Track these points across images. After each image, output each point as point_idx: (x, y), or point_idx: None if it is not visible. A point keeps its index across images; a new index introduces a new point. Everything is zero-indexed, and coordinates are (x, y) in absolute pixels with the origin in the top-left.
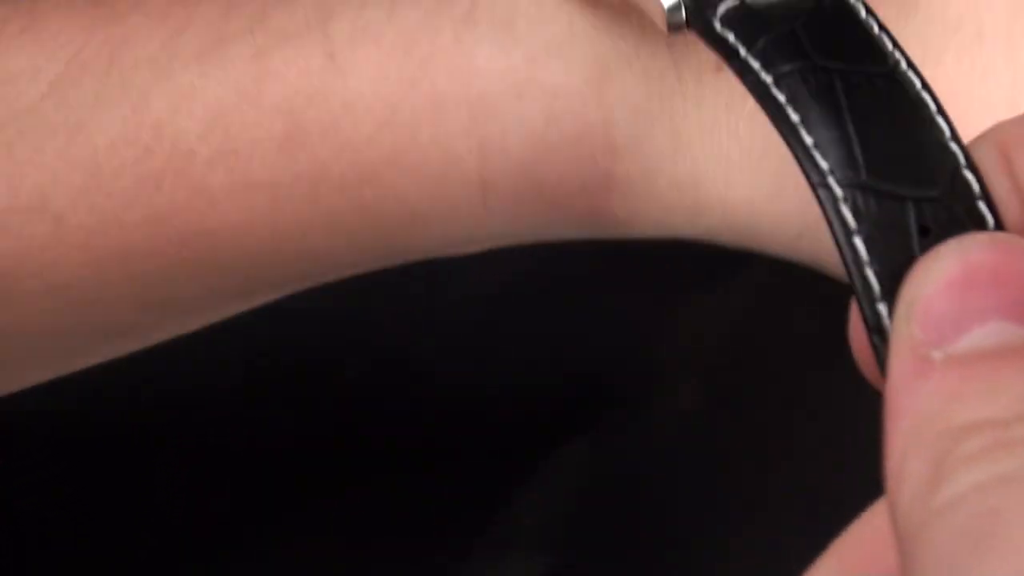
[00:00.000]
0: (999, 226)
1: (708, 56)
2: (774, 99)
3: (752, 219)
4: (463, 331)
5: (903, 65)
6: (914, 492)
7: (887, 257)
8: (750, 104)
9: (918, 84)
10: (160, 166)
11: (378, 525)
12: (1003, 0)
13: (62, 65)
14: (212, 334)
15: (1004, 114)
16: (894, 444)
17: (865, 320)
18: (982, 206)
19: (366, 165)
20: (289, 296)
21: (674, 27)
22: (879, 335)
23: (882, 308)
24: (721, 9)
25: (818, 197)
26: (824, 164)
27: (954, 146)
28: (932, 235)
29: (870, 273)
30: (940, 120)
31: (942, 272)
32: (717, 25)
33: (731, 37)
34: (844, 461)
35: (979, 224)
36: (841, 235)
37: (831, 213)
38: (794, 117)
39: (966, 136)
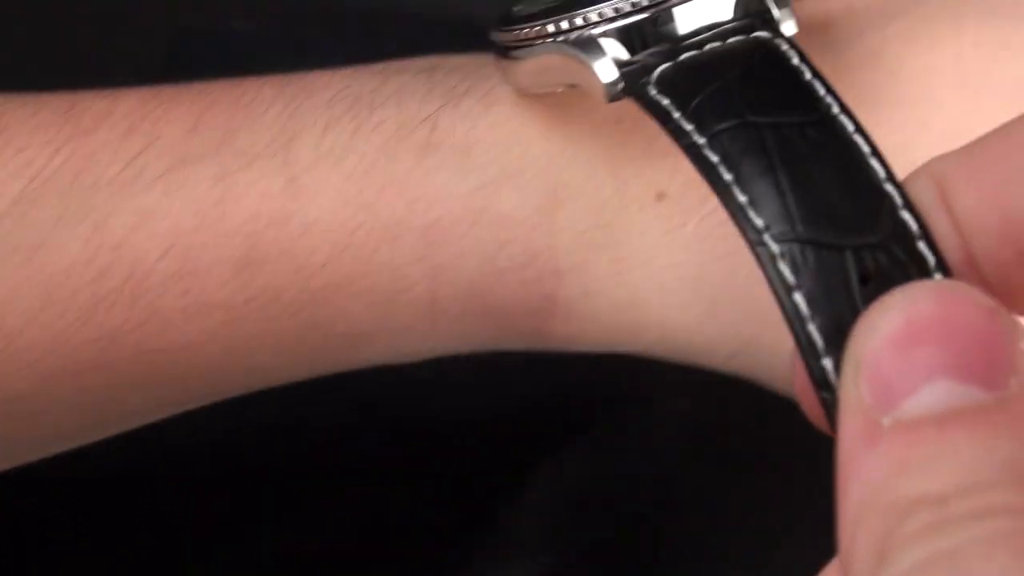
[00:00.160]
0: (941, 266)
1: (653, 180)
2: (706, 160)
3: (688, 340)
4: None
5: (835, 109)
6: (861, 570)
7: (829, 311)
8: (689, 229)
9: (851, 128)
10: (117, 286)
11: (378, 526)
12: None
13: (25, 182)
14: None
15: None
16: (845, 516)
17: (811, 375)
18: (923, 247)
19: (319, 289)
20: None
21: (612, 98)
22: (827, 390)
23: (827, 363)
24: (657, 72)
25: (755, 255)
26: (759, 221)
27: (890, 187)
28: (874, 283)
29: (812, 328)
30: (874, 162)
31: (886, 328)
32: (652, 90)
33: (665, 101)
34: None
35: (920, 266)
36: (781, 292)
37: (769, 271)
38: (727, 176)
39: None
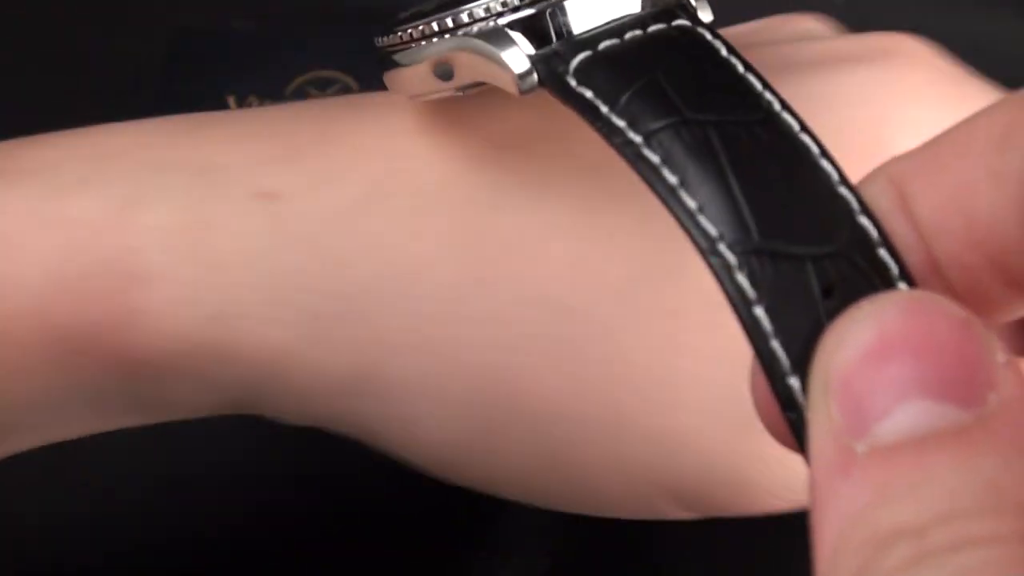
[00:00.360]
0: (904, 274)
1: (261, 178)
2: (647, 161)
3: (292, 365)
4: None
5: (777, 107)
6: None
7: (792, 326)
8: (290, 228)
9: (796, 127)
10: None
11: (377, 525)
12: None
13: None
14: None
15: None
16: (822, 549)
17: (776, 395)
18: (883, 253)
19: None
20: None
21: (526, 90)
22: (793, 411)
23: (793, 382)
24: (575, 63)
25: (709, 265)
26: (712, 229)
27: (844, 191)
28: (837, 295)
29: (776, 345)
30: (826, 164)
31: (855, 344)
32: (572, 82)
33: (589, 94)
34: None
35: (883, 274)
36: (740, 307)
37: (726, 283)
38: (671, 179)
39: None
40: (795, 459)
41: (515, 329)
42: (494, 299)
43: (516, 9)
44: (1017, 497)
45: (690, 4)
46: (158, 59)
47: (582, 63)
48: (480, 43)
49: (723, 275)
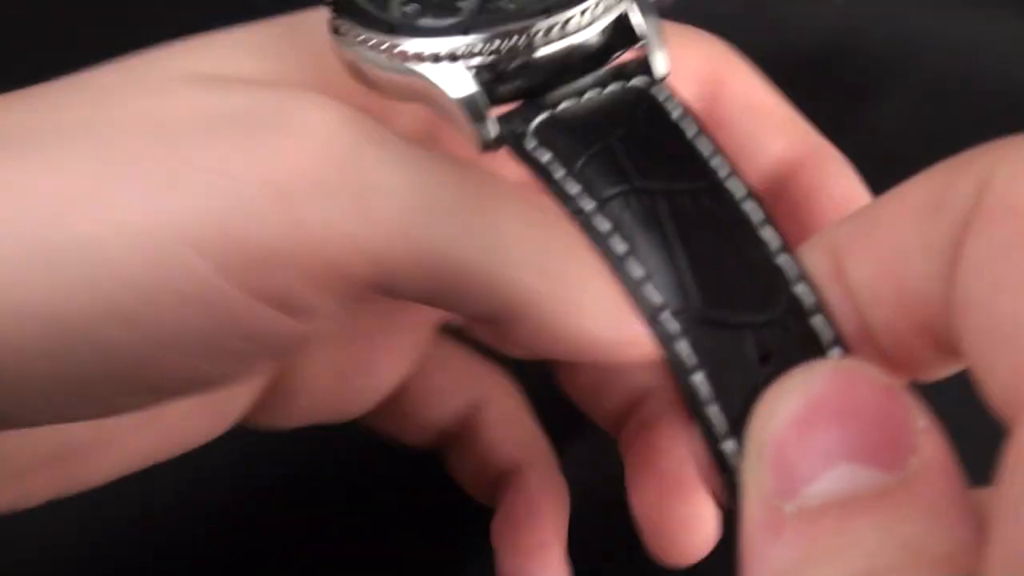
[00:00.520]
0: (837, 340)
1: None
2: (597, 229)
3: None
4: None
5: (724, 173)
6: None
7: (730, 392)
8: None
9: (740, 195)
10: None
11: (376, 525)
12: None
13: None
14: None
15: None
16: None
17: (713, 457)
18: (818, 321)
19: None
20: None
21: (487, 147)
22: (729, 472)
23: (728, 446)
24: (534, 124)
25: (653, 333)
26: (656, 298)
27: (783, 259)
28: (774, 361)
29: (714, 411)
30: (766, 232)
31: (786, 412)
32: (530, 143)
33: (546, 157)
34: None
35: (817, 342)
36: (680, 373)
37: (668, 351)
38: (620, 248)
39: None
40: None
41: None
42: None
43: (483, 59)
44: (934, 555)
45: (648, 55)
46: None
47: (540, 124)
48: (447, 98)
49: (665, 343)
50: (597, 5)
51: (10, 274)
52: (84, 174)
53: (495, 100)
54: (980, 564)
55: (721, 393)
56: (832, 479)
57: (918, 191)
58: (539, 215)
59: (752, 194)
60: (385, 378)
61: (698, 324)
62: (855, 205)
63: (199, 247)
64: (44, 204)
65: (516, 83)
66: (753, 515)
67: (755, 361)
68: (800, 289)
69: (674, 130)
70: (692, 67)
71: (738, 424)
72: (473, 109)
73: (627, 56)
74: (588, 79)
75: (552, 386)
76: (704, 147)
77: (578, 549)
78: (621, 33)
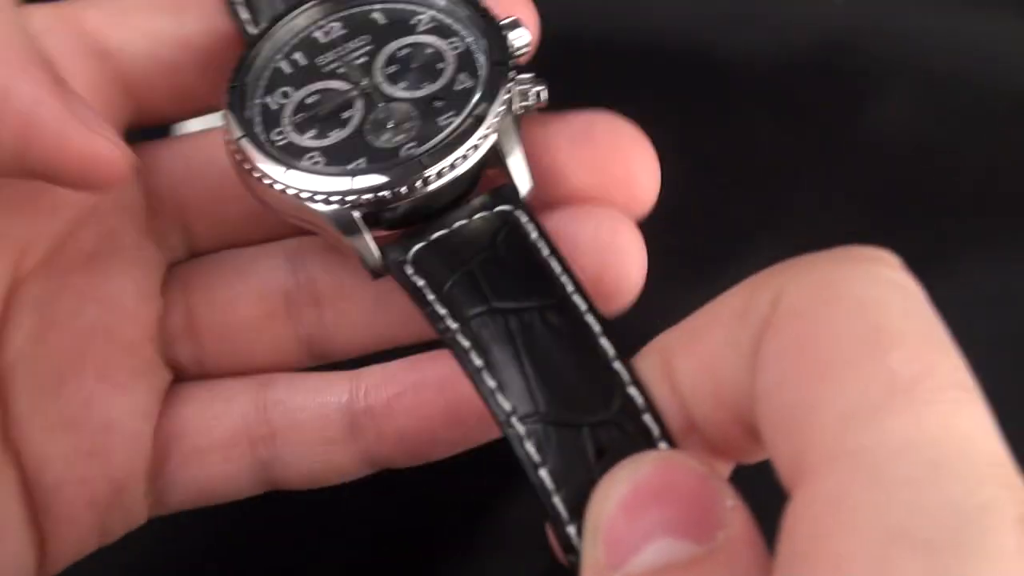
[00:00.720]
0: (665, 435)
1: None
2: (459, 346)
3: None
4: None
5: (571, 289)
6: None
7: (570, 484)
8: None
9: (584, 307)
10: None
11: (376, 526)
12: None
13: None
14: None
15: None
16: None
17: (559, 541)
18: (648, 419)
19: None
20: None
21: (376, 275)
22: (572, 554)
23: (571, 530)
24: (411, 253)
25: (505, 436)
26: (507, 405)
27: (619, 365)
28: (608, 455)
29: (557, 500)
30: (605, 341)
31: (616, 497)
32: (409, 270)
33: (421, 282)
34: None
35: (647, 437)
36: (529, 469)
37: (518, 450)
38: (478, 362)
39: None
40: None
41: None
42: None
43: (368, 203)
44: None
45: (511, 178)
46: None
47: (417, 253)
48: (338, 232)
49: (515, 443)
50: (474, 147)
51: None
52: None
53: (378, 226)
54: None
55: (563, 485)
56: (653, 551)
57: (731, 300)
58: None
59: (592, 308)
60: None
61: (543, 426)
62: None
63: None
64: None
65: (398, 215)
66: None
67: (592, 456)
68: (633, 391)
69: (529, 252)
70: None
71: (578, 511)
72: (361, 245)
73: (494, 179)
74: (459, 212)
75: None
76: (555, 266)
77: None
78: (491, 155)
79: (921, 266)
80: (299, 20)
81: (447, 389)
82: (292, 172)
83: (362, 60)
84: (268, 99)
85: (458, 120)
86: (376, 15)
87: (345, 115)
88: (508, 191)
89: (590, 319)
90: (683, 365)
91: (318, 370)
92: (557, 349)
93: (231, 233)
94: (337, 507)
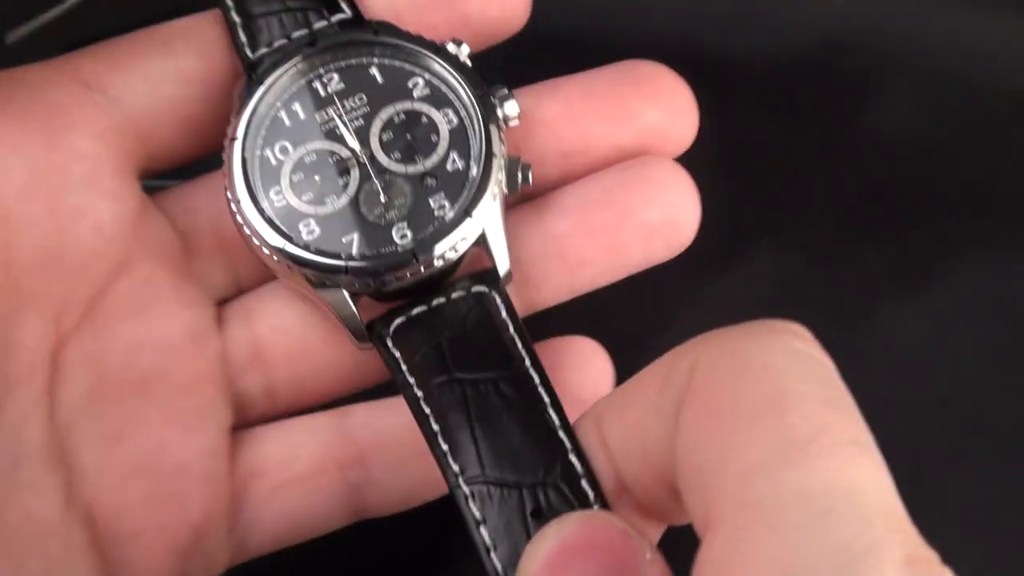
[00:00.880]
0: (600, 499)
1: None
2: (421, 411)
3: None
4: None
5: (528, 363)
6: None
7: (507, 541)
8: None
9: (536, 380)
10: None
11: (375, 525)
12: None
13: None
14: None
15: None
16: None
17: None
18: (585, 484)
19: None
20: None
21: (361, 347)
22: None
23: None
24: (393, 327)
25: (453, 495)
26: (456, 467)
27: (563, 435)
28: (543, 517)
29: (495, 557)
30: (552, 413)
31: (543, 553)
32: (389, 343)
33: (397, 353)
34: None
35: (583, 500)
36: (471, 527)
37: (463, 509)
38: (435, 427)
39: None
40: None
41: None
42: None
43: (361, 288)
44: None
45: (494, 261)
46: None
47: (398, 327)
48: (332, 308)
49: (460, 503)
50: (463, 238)
51: None
52: None
53: (370, 296)
54: None
55: (501, 542)
56: None
57: (655, 369)
58: None
59: (545, 381)
60: None
61: (486, 487)
62: None
63: None
64: None
65: (385, 293)
66: None
67: (529, 516)
68: (573, 458)
69: (495, 330)
70: None
71: (514, 565)
72: (349, 318)
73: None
74: (441, 290)
75: None
76: (518, 341)
77: None
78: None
79: (921, 266)
80: (300, 66)
81: None
82: (289, 247)
83: (359, 123)
84: (268, 152)
85: (449, 212)
86: (374, 71)
87: (341, 181)
88: (488, 275)
89: (541, 391)
90: (613, 430)
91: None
92: (507, 417)
93: None
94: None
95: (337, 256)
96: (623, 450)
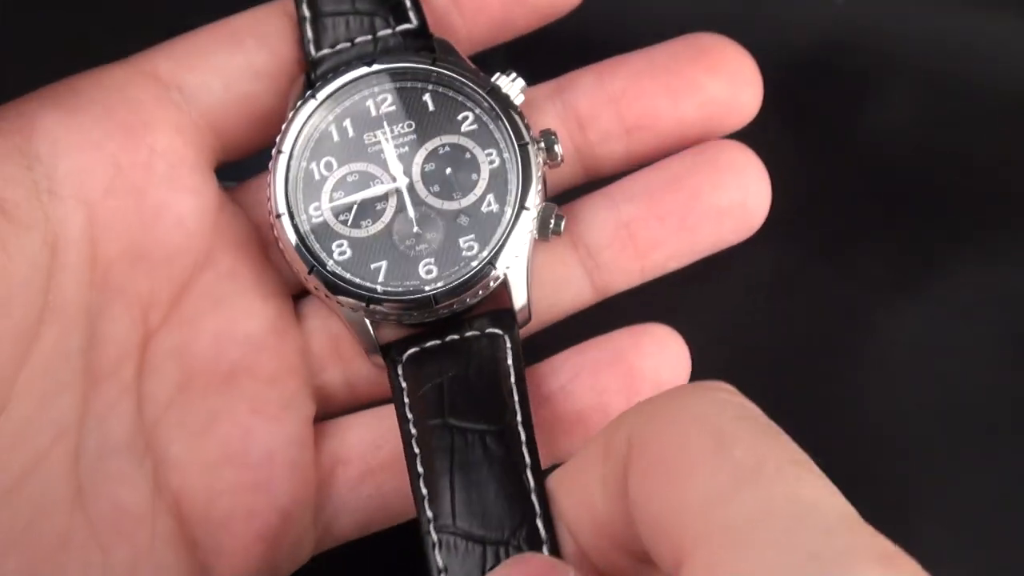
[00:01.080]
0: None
1: None
2: (411, 450)
3: None
4: None
5: (519, 419)
6: None
7: None
8: None
9: (523, 438)
10: None
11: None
12: None
13: None
14: None
15: None
16: None
17: None
18: (546, 550)
19: None
20: None
21: (375, 366)
22: None
23: None
24: (405, 356)
25: (422, 541)
26: (430, 513)
27: (535, 499)
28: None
29: None
30: (530, 475)
31: None
32: (399, 370)
33: (404, 385)
34: (831, 455)
35: None
36: (433, 572)
37: (428, 554)
38: (420, 469)
39: None
40: None
41: None
42: None
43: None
44: None
45: (511, 300)
46: None
47: (409, 357)
48: (357, 334)
49: (427, 548)
50: (487, 285)
51: None
52: None
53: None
54: None
55: None
56: None
57: (596, 442)
58: None
59: (530, 440)
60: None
61: (453, 537)
62: None
63: None
64: None
65: (404, 323)
66: None
67: (486, 571)
68: (539, 523)
69: (496, 376)
70: None
71: None
72: (366, 339)
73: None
74: (454, 331)
75: None
76: (516, 393)
77: None
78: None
79: (921, 266)
80: (357, 84)
81: (621, 360)
82: (316, 271)
83: (403, 151)
84: (313, 165)
85: (477, 256)
86: (427, 98)
87: (379, 207)
88: (504, 317)
89: (525, 451)
90: (565, 502)
91: None
92: (487, 472)
93: None
94: None
95: (363, 288)
96: (576, 520)
